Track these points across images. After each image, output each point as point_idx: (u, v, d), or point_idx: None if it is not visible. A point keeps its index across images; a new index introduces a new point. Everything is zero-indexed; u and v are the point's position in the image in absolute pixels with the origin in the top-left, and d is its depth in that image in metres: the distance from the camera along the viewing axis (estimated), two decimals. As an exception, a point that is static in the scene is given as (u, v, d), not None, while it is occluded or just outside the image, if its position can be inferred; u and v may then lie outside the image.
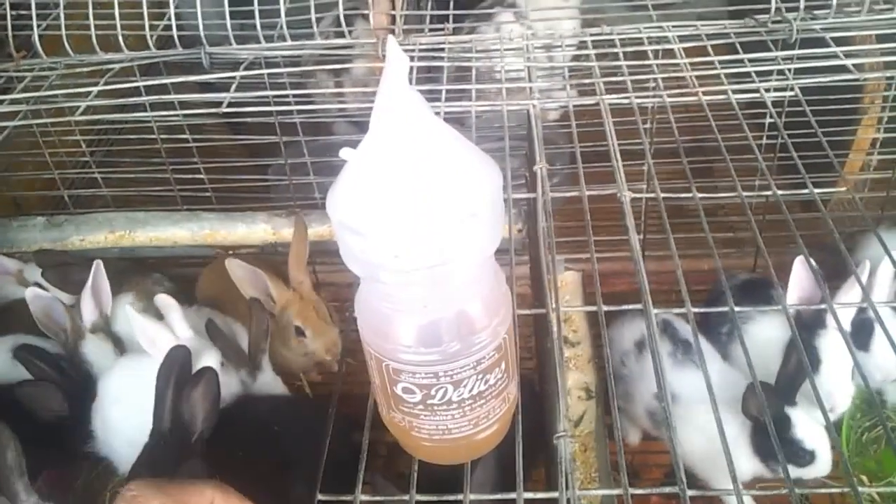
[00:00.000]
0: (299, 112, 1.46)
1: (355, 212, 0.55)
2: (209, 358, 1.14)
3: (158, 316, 1.17)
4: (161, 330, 1.14)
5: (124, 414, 1.10)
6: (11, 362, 1.17)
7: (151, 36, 1.32)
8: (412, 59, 1.28)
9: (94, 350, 1.22)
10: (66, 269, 1.35)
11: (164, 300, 1.17)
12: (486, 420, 0.69)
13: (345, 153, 0.57)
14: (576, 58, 1.40)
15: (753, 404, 1.04)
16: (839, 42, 1.20)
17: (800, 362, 1.02)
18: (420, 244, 0.55)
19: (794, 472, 1.06)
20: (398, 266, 0.56)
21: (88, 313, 1.25)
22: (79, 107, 1.18)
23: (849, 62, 1.14)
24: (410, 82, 1.21)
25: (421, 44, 1.33)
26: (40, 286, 1.34)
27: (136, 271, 1.48)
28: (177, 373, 0.98)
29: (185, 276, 1.54)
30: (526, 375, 1.38)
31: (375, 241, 0.55)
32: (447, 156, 0.57)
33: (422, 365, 0.62)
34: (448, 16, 1.41)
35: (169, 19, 1.32)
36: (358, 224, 0.55)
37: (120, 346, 1.26)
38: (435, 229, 0.55)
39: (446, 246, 0.56)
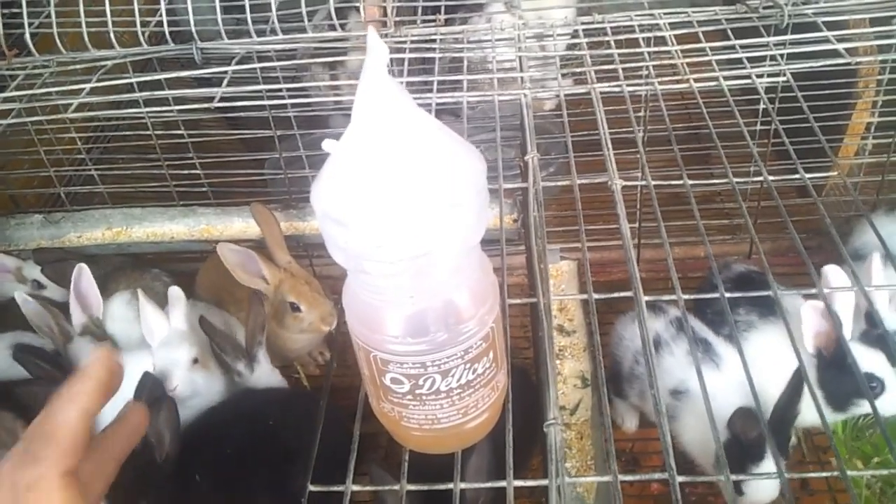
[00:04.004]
0: (293, 106, 1.46)
1: (338, 202, 0.55)
2: (182, 353, 1.16)
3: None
4: (159, 319, 1.15)
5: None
6: (11, 359, 1.18)
7: (143, 32, 1.32)
8: (404, 50, 1.28)
9: (80, 353, 1.22)
10: (65, 265, 1.35)
11: (176, 293, 1.19)
12: (476, 409, 0.68)
13: (327, 145, 0.57)
14: (569, 47, 1.39)
15: (740, 426, 1.04)
16: (832, 26, 1.19)
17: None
18: (403, 234, 0.55)
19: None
20: (382, 256, 0.56)
21: (76, 317, 1.25)
22: (71, 104, 1.18)
23: (841, 46, 1.13)
24: (403, 74, 1.23)
25: (413, 35, 1.33)
26: (39, 283, 1.35)
27: (134, 267, 1.48)
28: (144, 397, 1.01)
29: (183, 271, 1.55)
30: (524, 364, 1.39)
31: (358, 231, 0.55)
32: (429, 145, 0.57)
33: (409, 355, 0.62)
34: (440, 7, 1.41)
35: (161, 15, 1.32)
36: (340, 214, 0.55)
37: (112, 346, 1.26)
38: (418, 219, 0.55)
39: (430, 236, 0.56)
